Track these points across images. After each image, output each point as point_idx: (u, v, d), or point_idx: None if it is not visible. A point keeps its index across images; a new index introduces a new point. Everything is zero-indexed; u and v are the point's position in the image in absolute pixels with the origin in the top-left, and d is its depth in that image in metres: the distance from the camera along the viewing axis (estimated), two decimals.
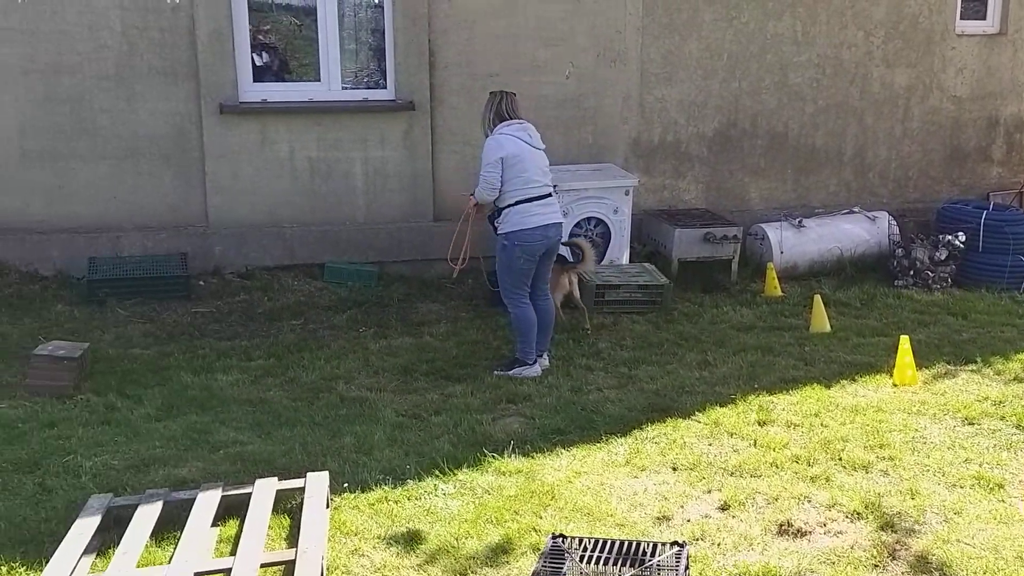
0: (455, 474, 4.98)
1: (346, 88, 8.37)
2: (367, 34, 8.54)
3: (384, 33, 8.29)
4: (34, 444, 5.27)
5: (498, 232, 6.32)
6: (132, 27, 7.79)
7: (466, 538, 4.41)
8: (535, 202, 6.22)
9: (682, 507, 4.71)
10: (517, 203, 6.20)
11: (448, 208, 8.36)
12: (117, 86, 7.85)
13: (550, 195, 6.34)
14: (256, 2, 8.13)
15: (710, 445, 5.37)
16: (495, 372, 6.38)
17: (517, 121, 6.27)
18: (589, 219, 8.15)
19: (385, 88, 8.38)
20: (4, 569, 4.13)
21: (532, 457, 5.19)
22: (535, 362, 6.41)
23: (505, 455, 5.19)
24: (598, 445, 5.34)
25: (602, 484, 4.92)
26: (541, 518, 4.58)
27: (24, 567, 4.15)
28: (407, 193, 8.45)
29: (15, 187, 7.86)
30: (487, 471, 5.03)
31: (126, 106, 7.90)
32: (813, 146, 9.39)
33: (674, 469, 5.09)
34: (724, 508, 4.69)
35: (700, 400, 5.94)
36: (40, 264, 7.87)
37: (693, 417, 5.70)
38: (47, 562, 4.04)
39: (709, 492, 4.85)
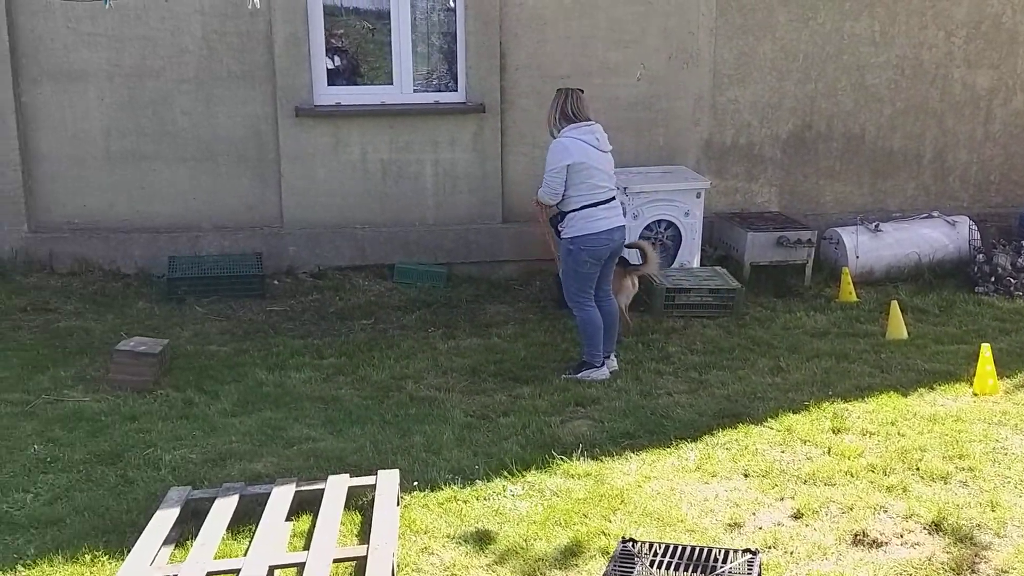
0: (523, 475, 4.99)
1: (417, 91, 8.46)
2: (438, 37, 8.61)
3: (456, 36, 8.36)
4: (116, 437, 5.44)
5: (562, 236, 6.30)
6: (212, 32, 7.99)
7: (535, 540, 4.42)
8: (600, 206, 6.18)
9: (754, 514, 4.65)
10: (582, 208, 6.17)
11: (517, 210, 8.40)
12: (197, 89, 8.07)
13: (614, 198, 6.31)
14: (330, 6, 8.27)
15: (783, 452, 5.29)
16: (562, 376, 6.36)
17: (586, 123, 6.20)
18: (659, 221, 8.08)
19: (456, 91, 8.44)
20: (88, 557, 4.28)
21: (601, 460, 5.18)
22: (602, 364, 6.38)
23: (574, 458, 5.18)
24: (668, 450, 5.30)
25: (672, 489, 4.88)
26: (610, 522, 4.56)
27: (107, 556, 4.29)
28: (476, 195, 8.50)
29: (101, 187, 8.12)
30: (555, 473, 5.03)
31: (205, 109, 8.10)
32: (891, 149, 9.17)
33: (746, 476, 5.02)
34: (797, 516, 4.62)
35: (772, 406, 5.86)
36: (123, 262, 8.12)
37: (765, 424, 5.62)
38: (128, 552, 4.17)
39: (782, 500, 4.78)
